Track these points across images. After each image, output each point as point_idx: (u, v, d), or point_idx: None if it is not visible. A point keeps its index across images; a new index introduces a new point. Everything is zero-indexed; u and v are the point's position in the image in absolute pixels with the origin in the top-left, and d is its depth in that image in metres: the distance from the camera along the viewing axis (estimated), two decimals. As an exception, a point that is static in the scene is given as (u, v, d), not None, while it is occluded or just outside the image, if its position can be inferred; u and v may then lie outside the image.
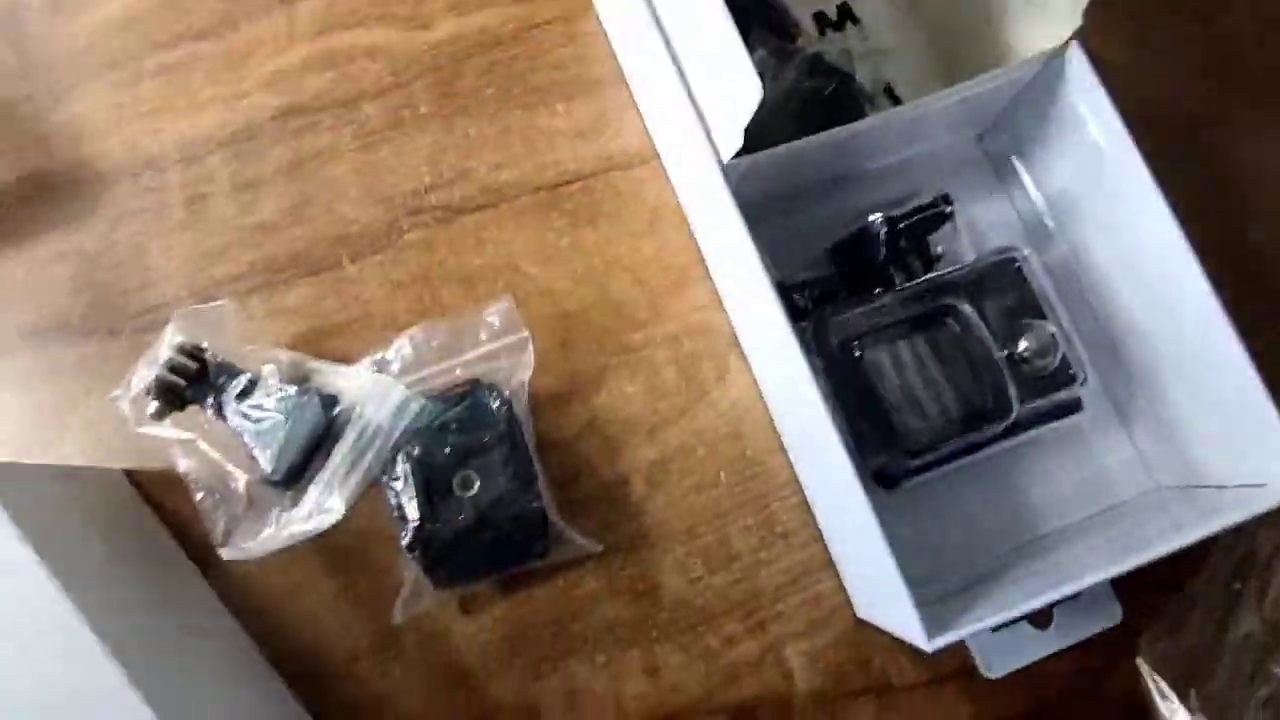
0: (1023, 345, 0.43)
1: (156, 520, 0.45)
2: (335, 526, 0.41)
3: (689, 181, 0.47)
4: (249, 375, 0.42)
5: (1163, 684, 0.43)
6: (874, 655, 0.46)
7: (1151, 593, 0.44)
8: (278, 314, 0.47)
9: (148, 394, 0.42)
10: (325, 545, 0.45)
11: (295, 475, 0.42)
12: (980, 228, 0.48)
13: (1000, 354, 0.42)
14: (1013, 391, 0.42)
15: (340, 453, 0.42)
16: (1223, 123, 0.52)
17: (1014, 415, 0.42)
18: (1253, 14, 0.54)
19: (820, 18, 0.50)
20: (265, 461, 0.41)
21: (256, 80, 0.50)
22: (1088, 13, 0.40)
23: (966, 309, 0.42)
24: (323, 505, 0.41)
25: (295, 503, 0.42)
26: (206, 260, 0.48)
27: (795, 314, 0.40)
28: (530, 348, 0.44)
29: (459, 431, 0.42)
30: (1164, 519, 0.44)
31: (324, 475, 0.42)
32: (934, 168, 0.48)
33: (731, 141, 0.38)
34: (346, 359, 0.45)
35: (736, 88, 0.36)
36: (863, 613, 0.46)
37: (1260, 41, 0.53)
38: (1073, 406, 0.45)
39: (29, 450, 0.46)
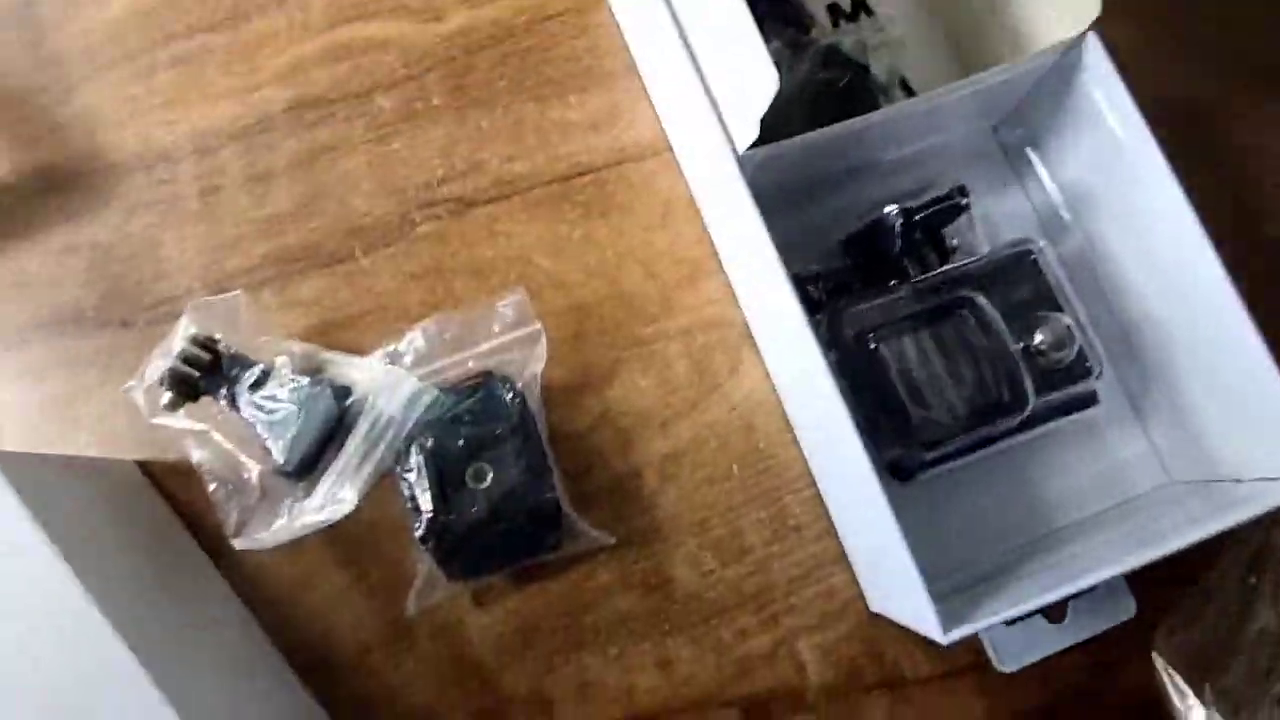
0: (1038, 338, 0.43)
1: (169, 511, 0.45)
2: (347, 518, 0.41)
3: (703, 174, 0.47)
4: (262, 366, 0.42)
5: (1178, 678, 0.43)
6: (887, 649, 0.46)
7: (1166, 587, 0.44)
8: (291, 306, 0.47)
9: (161, 385, 0.42)
10: (337, 536, 0.45)
11: (308, 466, 0.42)
12: (994, 220, 0.48)
13: (1016, 346, 0.42)
14: (1029, 384, 0.42)
15: (353, 444, 0.42)
16: (1237, 114, 0.52)
17: (1030, 408, 0.42)
18: (1268, 2, 0.53)
19: (834, 9, 0.50)
20: (278, 452, 0.41)
21: (270, 72, 0.50)
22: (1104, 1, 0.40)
23: (982, 301, 0.42)
24: (335, 496, 0.41)
25: (308, 493, 0.42)
26: (219, 252, 0.48)
27: (809, 306, 0.40)
28: (543, 340, 0.44)
29: (472, 423, 0.42)
30: (1179, 513, 0.43)
31: (336, 466, 0.42)
32: (948, 159, 0.48)
33: (747, 132, 0.38)
34: (359, 351, 0.45)
35: (753, 78, 0.36)
36: (876, 606, 0.46)
37: (1276, 30, 0.53)
38: (1088, 400, 0.44)
39: (42, 441, 0.46)
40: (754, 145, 0.38)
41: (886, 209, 0.43)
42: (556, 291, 0.48)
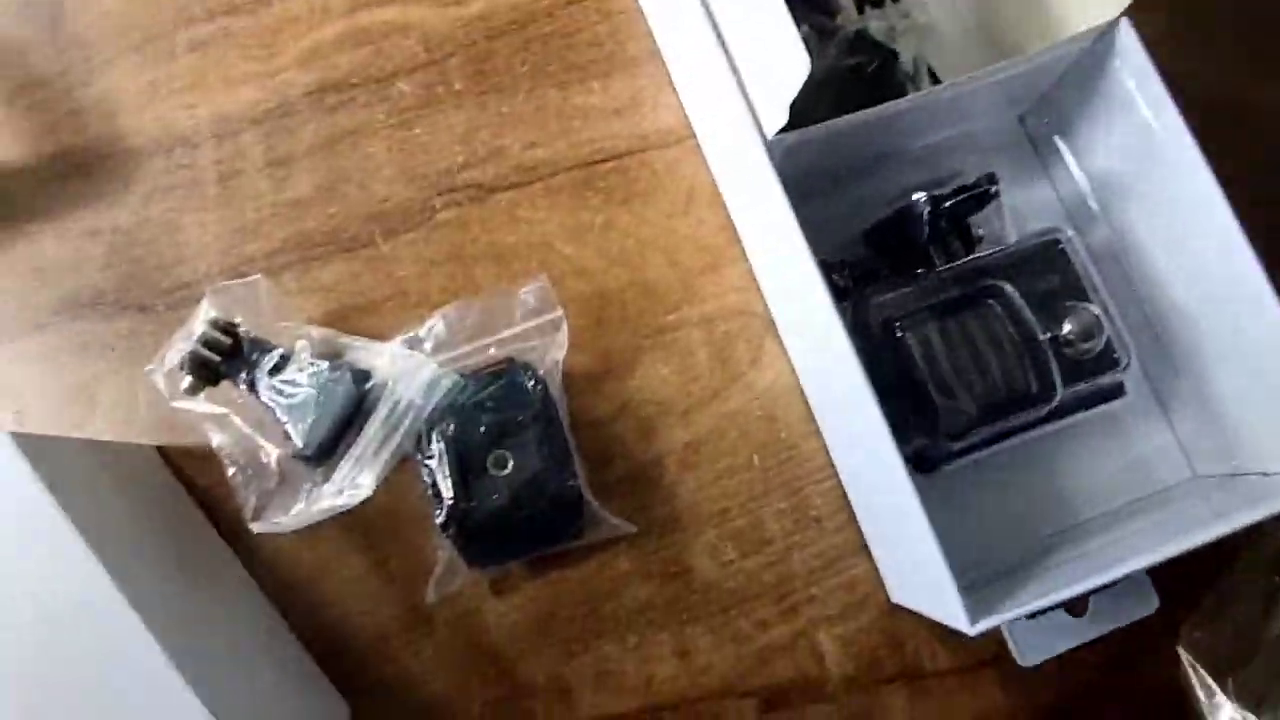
0: (1066, 328, 0.42)
1: (187, 495, 0.45)
2: (366, 504, 0.41)
3: (727, 160, 0.47)
4: (282, 351, 0.42)
5: (1204, 673, 0.43)
6: (907, 640, 0.46)
7: (1188, 581, 0.43)
8: (311, 291, 0.47)
9: (181, 369, 0.42)
10: (356, 522, 0.44)
11: (327, 451, 0.42)
12: (1020, 209, 0.47)
13: (1044, 337, 0.42)
14: (1056, 375, 0.41)
15: (371, 429, 0.42)
16: (1268, 103, 0.51)
17: (1057, 399, 0.42)
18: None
19: (860, -6, 0.49)
20: (297, 436, 0.41)
21: (290, 57, 0.50)
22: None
23: (1010, 290, 0.42)
24: (353, 481, 0.41)
25: (326, 478, 0.42)
26: (239, 237, 0.48)
27: (836, 294, 0.39)
28: (565, 327, 0.44)
29: (494, 410, 0.42)
30: (1205, 507, 0.43)
31: (355, 451, 0.41)
32: (974, 148, 0.48)
33: (777, 116, 0.37)
34: (379, 337, 0.45)
35: (783, 61, 0.36)
36: (897, 597, 0.45)
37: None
38: (1115, 391, 0.44)
39: (60, 425, 0.46)
40: (782, 130, 0.38)
41: (916, 196, 0.43)
42: (578, 279, 0.48)
